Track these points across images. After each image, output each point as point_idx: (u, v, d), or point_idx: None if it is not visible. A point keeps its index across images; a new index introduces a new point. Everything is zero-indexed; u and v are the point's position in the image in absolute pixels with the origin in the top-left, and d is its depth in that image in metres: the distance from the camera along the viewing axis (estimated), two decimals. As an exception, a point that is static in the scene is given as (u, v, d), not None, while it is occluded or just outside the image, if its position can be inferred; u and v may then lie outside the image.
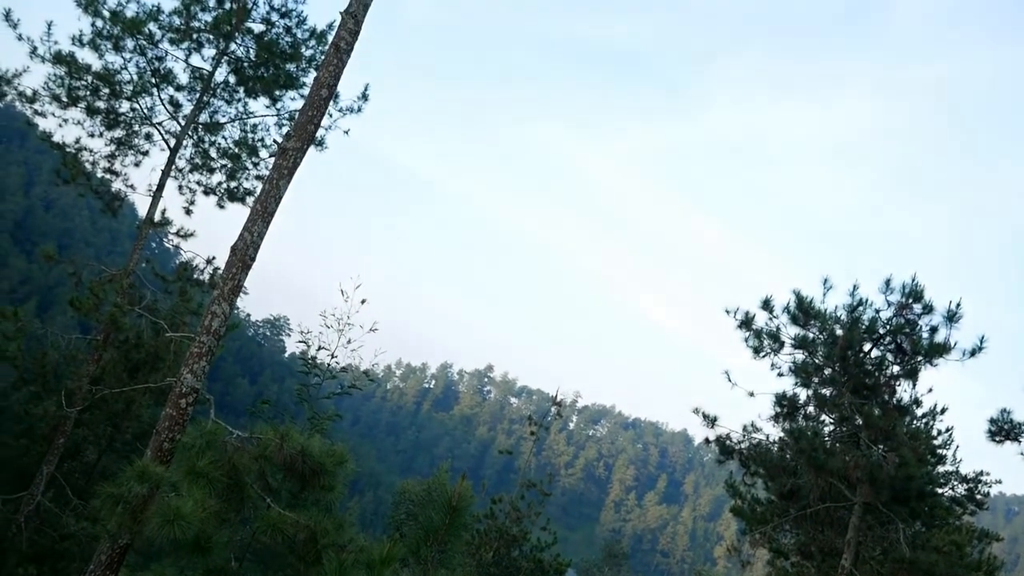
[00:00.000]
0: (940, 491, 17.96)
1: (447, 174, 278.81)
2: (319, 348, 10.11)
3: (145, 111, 17.55)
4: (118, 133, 17.67)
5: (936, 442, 18.16)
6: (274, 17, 17.35)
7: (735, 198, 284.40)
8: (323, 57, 17.35)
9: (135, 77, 17.18)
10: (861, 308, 16.14)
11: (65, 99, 16.77)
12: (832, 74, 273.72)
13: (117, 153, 17.83)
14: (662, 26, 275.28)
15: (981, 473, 18.27)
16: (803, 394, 16.96)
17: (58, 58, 16.36)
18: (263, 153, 18.34)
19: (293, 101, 18.11)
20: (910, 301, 15.54)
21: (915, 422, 17.38)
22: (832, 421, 17.12)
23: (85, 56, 16.62)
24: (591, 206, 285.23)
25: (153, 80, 17.34)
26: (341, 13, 8.21)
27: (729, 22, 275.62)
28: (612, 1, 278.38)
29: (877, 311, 16.00)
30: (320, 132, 15.98)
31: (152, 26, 16.87)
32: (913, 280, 15.54)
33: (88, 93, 16.95)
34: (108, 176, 17.95)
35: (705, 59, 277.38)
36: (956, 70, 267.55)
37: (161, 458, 7.00)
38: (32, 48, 16.22)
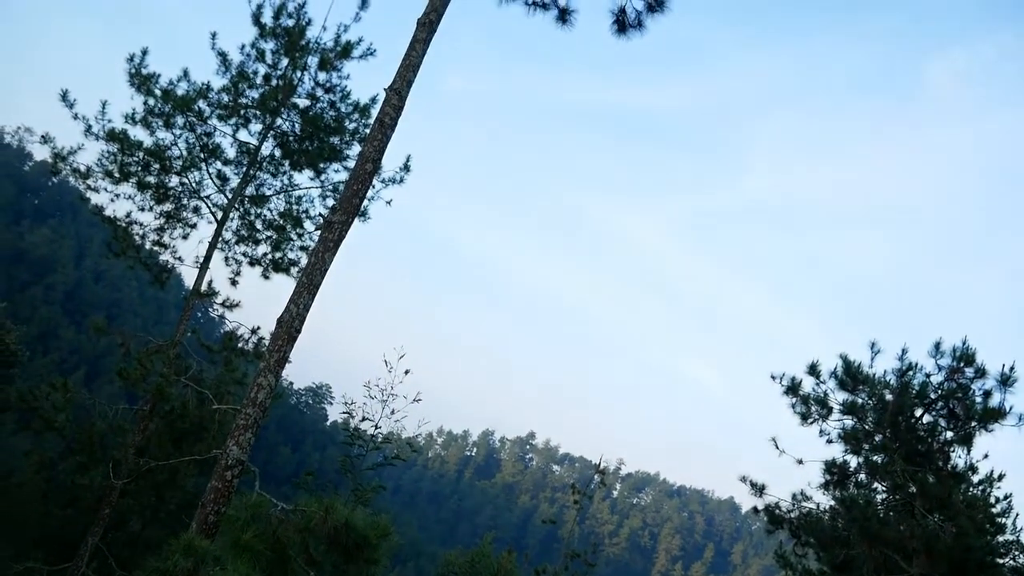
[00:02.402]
0: (1001, 561, 17.27)
1: (485, 240, 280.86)
2: (363, 419, 10.12)
3: (193, 185, 18.04)
4: (167, 207, 18.14)
5: (995, 510, 17.54)
6: (319, 92, 17.86)
7: (776, 261, 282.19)
8: (367, 131, 17.80)
9: (184, 152, 17.69)
10: (911, 372, 15.80)
11: (117, 175, 17.30)
12: (869, 136, 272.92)
13: (166, 226, 18.28)
14: (696, 93, 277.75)
15: (1043, 543, 17.56)
16: (854, 461, 16.56)
17: (111, 135, 16.93)
18: (307, 224, 18.69)
19: (337, 173, 18.52)
20: (961, 365, 15.19)
21: (971, 489, 16.82)
22: (885, 489, 16.64)
23: (137, 133, 17.23)
24: (630, 271, 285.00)
25: (202, 155, 17.83)
26: (385, 90, 8.41)
27: (765, 88, 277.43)
28: (648, 70, 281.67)
29: (927, 375, 15.65)
30: (363, 203, 16.25)
31: (201, 103, 17.45)
32: (964, 343, 15.22)
33: (139, 169, 17.48)
34: (157, 248, 18.39)
35: (741, 124, 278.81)
36: (994, 129, 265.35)
37: (206, 531, 6.99)
38: (87, 126, 16.84)
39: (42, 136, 17.02)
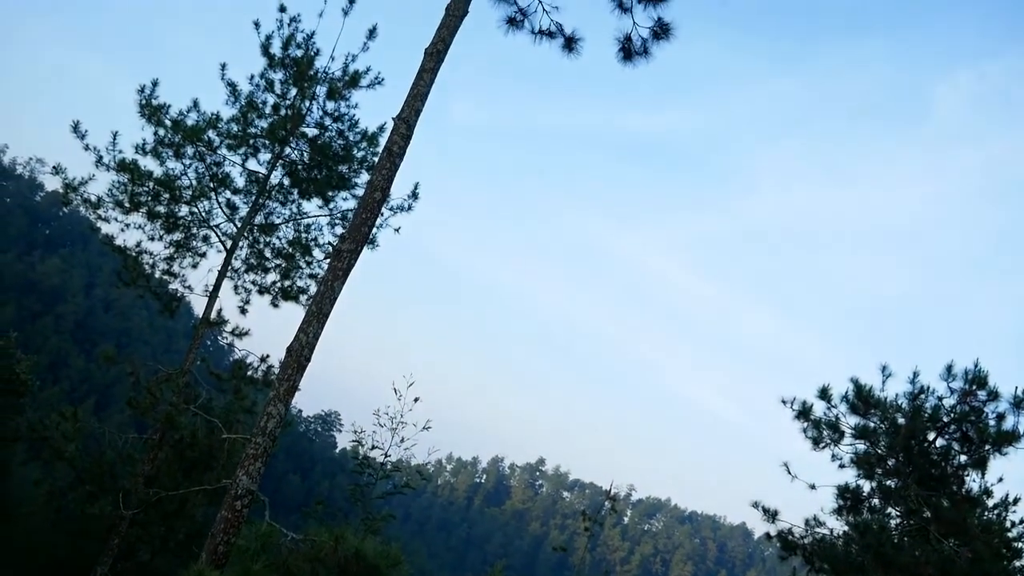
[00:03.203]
0: (1018, 587, 17.06)
1: (491, 265, 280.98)
2: (372, 447, 10.09)
3: (203, 214, 18.14)
4: (177, 236, 18.23)
5: (1011, 534, 17.34)
6: (327, 121, 18.01)
7: (786, 285, 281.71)
8: (375, 159, 17.91)
9: (194, 182, 17.81)
10: (923, 396, 15.68)
11: (127, 205, 17.41)
12: (876, 159, 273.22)
13: (176, 255, 18.36)
14: (702, 117, 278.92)
15: (1061, 568, 17.34)
16: (867, 486, 16.40)
17: (122, 166, 17.07)
18: (316, 252, 18.75)
19: (345, 201, 18.60)
20: (974, 387, 15.07)
21: (987, 514, 16.65)
22: (899, 514, 16.47)
23: (147, 163, 17.37)
24: (638, 295, 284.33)
25: (211, 184, 17.95)
26: (394, 119, 8.47)
27: (771, 112, 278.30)
28: (652, 94, 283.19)
29: (940, 399, 15.52)
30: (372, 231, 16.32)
31: (211, 133, 17.60)
32: (976, 365, 15.10)
33: (149, 198, 17.58)
34: (166, 277, 18.45)
35: (748, 148, 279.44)
36: (1004, 150, 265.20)
37: (216, 561, 6.96)
38: (98, 157, 16.97)
39: (53, 167, 17.14)
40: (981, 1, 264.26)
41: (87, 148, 16.87)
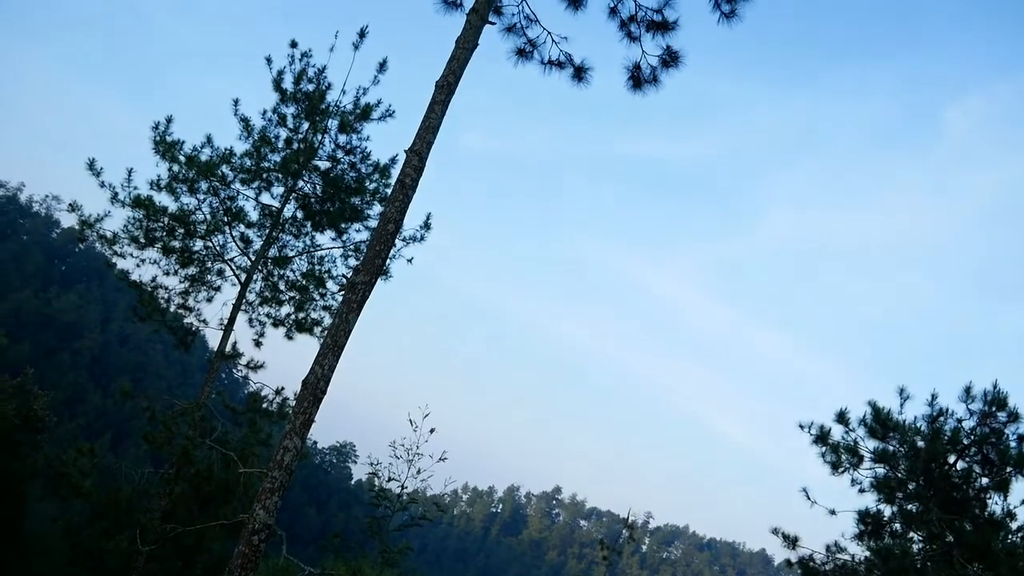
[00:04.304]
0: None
1: (503, 294, 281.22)
2: (389, 479, 10.06)
3: (217, 248, 18.25)
4: (192, 270, 18.34)
5: (1036, 559, 17.08)
6: (339, 154, 18.14)
7: (798, 308, 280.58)
8: (387, 191, 18.02)
9: (208, 217, 17.95)
10: (942, 418, 15.54)
11: (143, 240, 17.55)
12: (886, 181, 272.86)
13: (191, 289, 18.46)
14: (712, 144, 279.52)
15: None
16: (888, 511, 16.20)
17: (137, 202, 17.21)
18: (330, 284, 18.81)
19: (358, 232, 18.68)
20: (993, 409, 14.93)
21: (1010, 537, 16.41)
22: (921, 539, 16.25)
23: (162, 199, 17.51)
24: (652, 322, 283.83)
25: (225, 219, 18.08)
26: (406, 151, 8.53)
27: (782, 138, 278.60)
28: (663, 122, 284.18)
29: (959, 421, 15.37)
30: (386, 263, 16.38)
31: (225, 168, 17.75)
32: (994, 387, 14.97)
33: (164, 234, 17.72)
34: (182, 312, 18.53)
35: (758, 174, 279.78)
36: (1016, 170, 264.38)
37: (234, 597, 6.93)
38: (113, 194, 17.13)
39: (70, 204, 17.30)
40: (989, 23, 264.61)
41: (102, 185, 17.04)
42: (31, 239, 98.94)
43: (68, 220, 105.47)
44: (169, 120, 17.45)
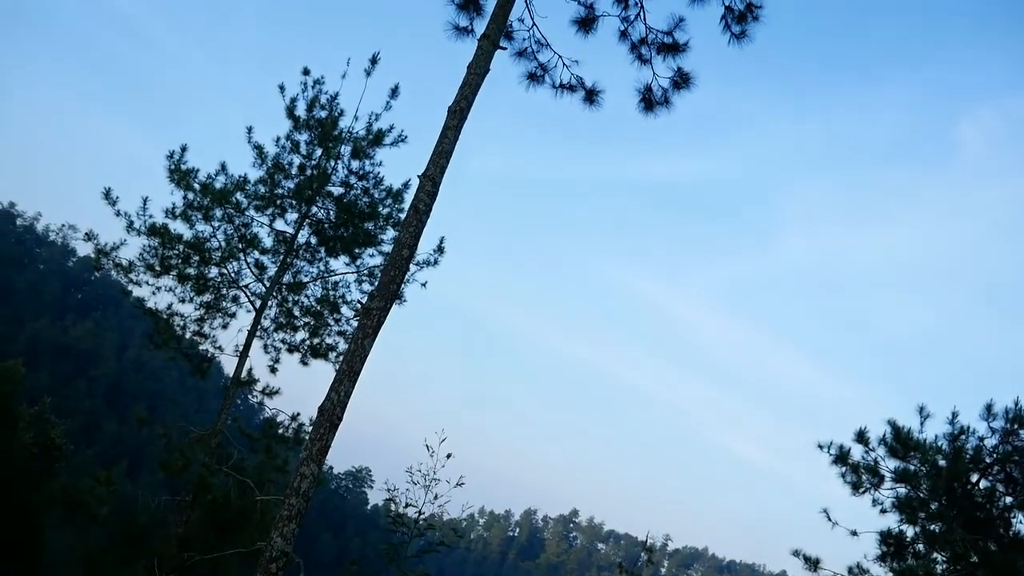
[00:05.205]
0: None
1: (516, 316, 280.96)
2: (406, 505, 10.02)
3: (232, 275, 18.31)
4: (207, 297, 18.39)
5: (1062, 579, 16.81)
6: (352, 180, 18.21)
7: (813, 327, 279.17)
8: (401, 215, 18.07)
9: (223, 244, 18.02)
10: (963, 437, 15.35)
11: (158, 268, 17.62)
12: (902, 198, 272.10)
13: (206, 316, 18.50)
14: (725, 163, 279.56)
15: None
16: (910, 531, 15.98)
17: (152, 230, 17.31)
18: (345, 309, 18.82)
19: (372, 257, 18.72)
20: (1015, 427, 14.74)
21: (1035, 557, 16.17)
22: (945, 559, 16.02)
23: (177, 227, 17.59)
24: (667, 343, 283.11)
25: (240, 245, 18.15)
26: (419, 177, 8.55)
27: (794, 156, 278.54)
28: (675, 141, 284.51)
29: (981, 439, 15.17)
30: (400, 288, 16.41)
31: (239, 195, 17.85)
32: (1016, 404, 14.77)
33: (179, 261, 17.80)
34: (197, 339, 18.57)
35: (772, 192, 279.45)
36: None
37: (252, 626, 6.89)
38: (128, 222, 17.22)
39: (86, 233, 17.41)
40: (1001, 37, 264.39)
41: (118, 214, 17.14)
42: (48, 268, 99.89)
43: (84, 249, 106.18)
44: (184, 149, 17.59)
